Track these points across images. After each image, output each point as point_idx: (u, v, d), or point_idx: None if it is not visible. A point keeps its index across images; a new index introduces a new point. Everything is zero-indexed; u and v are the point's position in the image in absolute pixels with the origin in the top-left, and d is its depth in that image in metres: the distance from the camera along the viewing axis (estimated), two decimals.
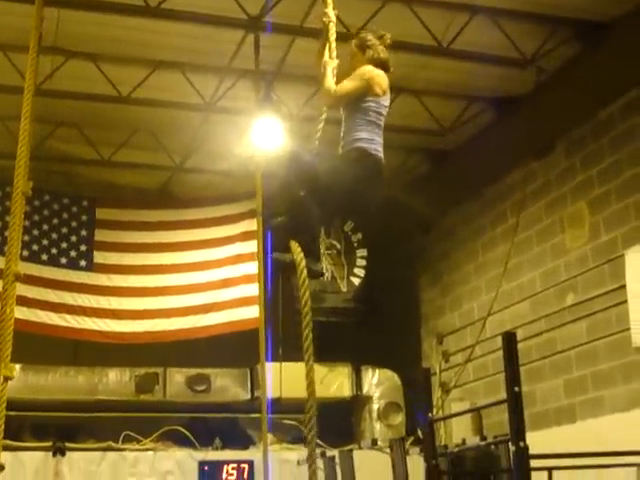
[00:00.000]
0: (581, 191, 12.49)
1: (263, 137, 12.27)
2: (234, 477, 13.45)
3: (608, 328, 11.69)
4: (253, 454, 13.20)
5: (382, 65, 7.00)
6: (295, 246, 6.41)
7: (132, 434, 13.71)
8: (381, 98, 6.91)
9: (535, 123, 12.79)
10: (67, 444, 13.25)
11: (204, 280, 14.53)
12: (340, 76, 6.89)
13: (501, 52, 12.07)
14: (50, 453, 13.05)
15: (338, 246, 15.64)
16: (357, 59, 7.00)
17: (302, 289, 6.31)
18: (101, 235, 14.74)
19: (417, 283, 16.65)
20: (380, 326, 15.69)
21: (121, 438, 13.60)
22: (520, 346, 8.90)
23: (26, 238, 13.58)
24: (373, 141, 6.82)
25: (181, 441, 13.85)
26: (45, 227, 14.52)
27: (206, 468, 13.50)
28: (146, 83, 12.53)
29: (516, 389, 8.17)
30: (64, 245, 14.55)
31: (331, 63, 6.92)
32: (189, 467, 13.50)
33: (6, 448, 5.98)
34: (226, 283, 14.49)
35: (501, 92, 13.24)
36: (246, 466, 13.34)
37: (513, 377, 8.22)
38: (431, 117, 13.71)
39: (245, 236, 14.44)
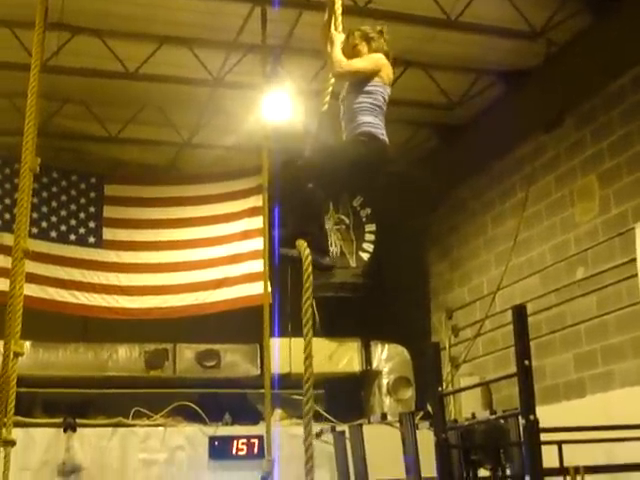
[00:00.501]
0: (591, 164, 12.42)
1: (271, 112, 12.22)
2: (244, 452, 13.49)
3: (618, 302, 11.65)
4: (263, 429, 13.18)
5: (386, 57, 7.06)
6: (301, 243, 6.42)
7: (142, 410, 13.74)
8: (387, 86, 6.97)
9: (545, 96, 12.72)
10: (78, 420, 13.30)
11: (213, 256, 14.51)
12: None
13: (510, 24, 11.99)
14: (61, 429, 13.10)
15: (347, 221, 15.60)
16: (360, 50, 7.03)
17: (306, 284, 6.31)
18: (110, 212, 14.73)
19: (426, 258, 16.62)
20: (389, 301, 15.68)
21: (131, 414, 13.64)
22: (530, 320, 8.88)
23: (35, 215, 13.57)
24: (379, 126, 6.85)
25: (191, 417, 13.88)
26: (54, 204, 14.51)
27: (216, 443, 13.54)
28: (153, 59, 12.48)
29: (526, 362, 8.16)
30: (73, 222, 14.53)
31: (338, 36, 6.93)
32: (199, 442, 13.54)
33: (17, 424, 6.01)
34: (235, 259, 14.47)
35: (510, 65, 13.16)
36: (256, 441, 13.37)
37: (523, 350, 8.20)
38: (440, 91, 13.64)
39: (253, 212, 14.40)
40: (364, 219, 15.72)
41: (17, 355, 6.03)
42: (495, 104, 13.89)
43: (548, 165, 13.27)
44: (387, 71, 6.95)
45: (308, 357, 6.26)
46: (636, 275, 11.20)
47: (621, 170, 11.86)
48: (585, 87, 12.31)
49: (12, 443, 5.87)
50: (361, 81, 6.87)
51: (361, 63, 6.88)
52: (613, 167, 12.01)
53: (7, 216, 13.73)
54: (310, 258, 6.35)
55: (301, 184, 6.76)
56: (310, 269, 6.34)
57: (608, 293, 11.85)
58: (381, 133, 6.82)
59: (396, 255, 15.90)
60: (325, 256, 6.68)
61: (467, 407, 13.61)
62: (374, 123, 6.80)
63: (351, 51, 6.98)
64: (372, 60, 6.91)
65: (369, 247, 15.71)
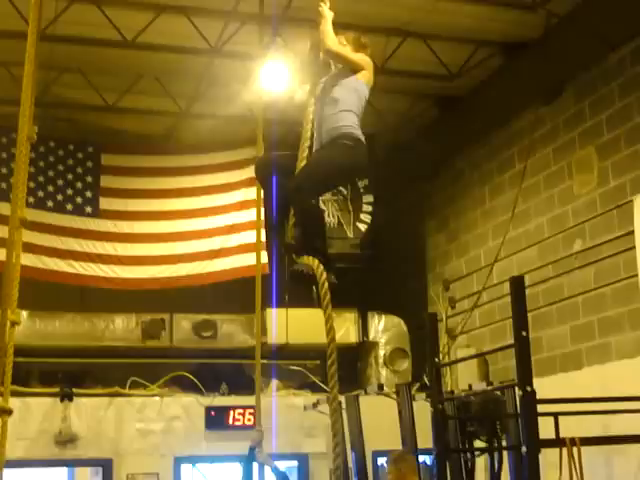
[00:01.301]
0: (590, 136, 12.39)
1: (268, 82, 12.16)
2: (240, 422, 13.54)
3: (616, 274, 11.67)
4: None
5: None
6: (310, 259, 6.35)
7: (139, 380, 13.78)
8: (368, 87, 6.79)
9: (544, 68, 12.66)
10: (74, 390, 13.34)
11: (210, 226, 14.48)
12: None
13: None
14: (58, 399, 13.14)
15: (344, 192, 15.56)
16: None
17: (324, 302, 6.29)
18: (107, 181, 14.69)
19: (423, 229, 16.63)
20: (386, 272, 15.68)
21: (128, 384, 13.68)
22: (527, 292, 8.90)
23: (31, 185, 13.53)
24: (358, 126, 6.64)
25: (188, 387, 13.93)
26: (50, 174, 14.46)
27: (213, 413, 13.59)
28: (151, 27, 12.39)
29: (523, 333, 8.19)
30: (70, 192, 14.49)
31: (330, 13, 6.75)
32: (196, 412, 13.59)
33: (14, 394, 5.99)
34: (232, 229, 14.45)
35: (510, 36, 13.08)
36: (252, 411, 13.41)
37: (520, 321, 8.23)
38: (439, 62, 13.58)
39: (251, 182, 14.32)
40: (361, 190, 15.68)
41: (14, 324, 5.99)
42: (494, 75, 13.83)
43: (547, 137, 13.25)
44: (370, 71, 6.78)
45: (331, 330, 6.37)
46: (634, 247, 11.19)
47: (620, 142, 11.84)
48: (584, 59, 12.28)
49: (9, 412, 5.84)
50: (346, 74, 6.69)
51: (349, 52, 6.73)
52: (612, 139, 11.99)
53: (3, 185, 13.70)
54: (325, 276, 6.26)
55: (303, 199, 6.64)
56: (326, 286, 6.26)
57: (606, 265, 11.86)
58: (361, 134, 6.63)
59: (393, 226, 15.89)
60: (330, 273, 6.58)
61: (463, 379, 13.66)
62: (355, 124, 6.61)
63: None
64: (360, 55, 6.76)
65: (366, 218, 15.67)
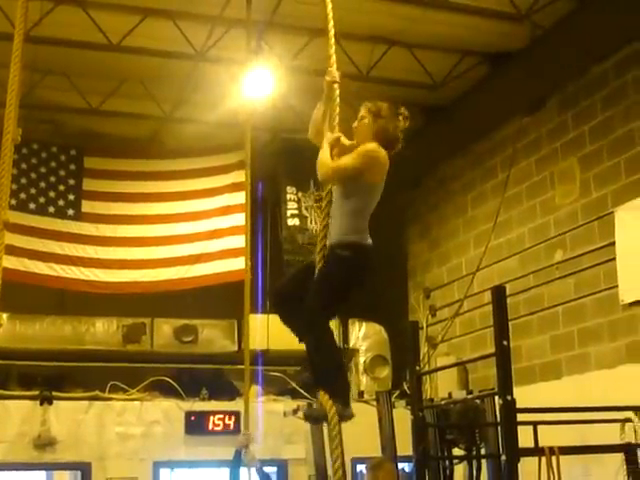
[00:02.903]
0: (572, 148, 12.46)
1: (254, 87, 12.17)
2: (220, 427, 13.53)
3: (596, 285, 11.73)
4: (239, 405, 13.19)
5: (389, 142, 6.41)
6: (324, 398, 6.08)
7: (119, 384, 13.74)
8: (376, 185, 6.41)
9: (528, 79, 12.74)
10: (54, 393, 13.29)
11: (192, 231, 14.47)
12: (342, 147, 6.36)
13: (496, 6, 11.98)
14: (37, 402, 13.08)
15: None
16: (365, 124, 6.43)
17: (334, 444, 6.14)
18: (89, 184, 14.65)
19: (405, 237, 16.66)
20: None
21: (108, 388, 13.63)
22: (508, 302, 8.92)
23: (13, 187, 13.46)
24: (362, 229, 6.43)
25: (168, 391, 13.90)
26: (33, 176, 14.41)
27: (193, 418, 13.57)
28: (136, 31, 12.38)
29: (504, 343, 8.20)
30: (52, 194, 14.45)
31: (329, 137, 6.34)
32: (176, 417, 13.57)
33: None
34: (214, 234, 14.43)
35: (495, 47, 13.15)
36: (233, 417, 13.42)
37: (502, 331, 8.25)
38: (424, 71, 13.62)
39: (234, 187, 14.35)
40: None
41: None
42: (479, 85, 13.89)
43: (530, 147, 13.31)
44: (380, 168, 6.32)
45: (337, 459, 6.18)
46: (614, 259, 11.27)
47: (602, 154, 11.91)
48: (568, 71, 12.35)
49: None
50: (351, 180, 6.26)
51: (350, 162, 6.19)
52: (594, 151, 12.06)
53: None
54: (336, 418, 6.01)
55: (314, 325, 6.41)
56: (338, 428, 6.10)
57: (586, 276, 11.92)
58: (361, 237, 6.39)
59: (375, 233, 15.86)
60: (347, 407, 6.21)
61: (443, 387, 13.69)
62: (352, 229, 6.35)
63: (357, 123, 6.45)
64: (362, 155, 6.21)
65: None
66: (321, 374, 6.35)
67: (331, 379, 6.29)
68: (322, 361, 6.33)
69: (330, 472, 12.11)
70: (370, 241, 6.43)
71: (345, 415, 6.23)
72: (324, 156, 6.24)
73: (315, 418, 6.48)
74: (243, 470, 9.74)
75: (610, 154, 11.75)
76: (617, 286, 11.23)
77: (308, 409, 6.59)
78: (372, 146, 6.28)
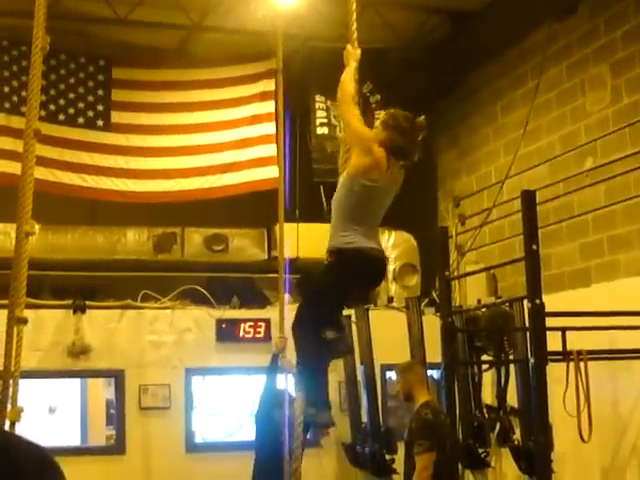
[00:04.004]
0: (604, 54, 12.30)
1: None
2: (251, 335, 13.68)
3: (626, 192, 11.68)
4: (269, 313, 13.37)
5: (394, 153, 6.72)
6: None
7: (150, 293, 13.88)
8: (368, 185, 6.59)
9: None
10: (87, 302, 13.46)
11: (222, 140, 14.41)
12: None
13: None
14: (70, 311, 13.26)
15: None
16: (376, 132, 6.78)
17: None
18: (118, 95, 14.60)
19: (434, 146, 16.57)
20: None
21: (139, 297, 13.78)
22: (537, 210, 8.93)
23: (43, 98, 13.41)
24: (351, 232, 6.56)
25: (199, 300, 14.02)
26: (62, 87, 14.36)
27: (224, 326, 13.71)
28: None
29: (534, 247, 8.26)
30: (81, 105, 14.42)
31: (354, 55, 6.73)
32: (207, 325, 13.71)
33: (27, 306, 6.08)
34: (244, 143, 14.39)
35: None
36: (263, 324, 13.55)
37: (531, 235, 8.29)
38: None
39: (263, 96, 14.28)
40: (373, 105, 15.58)
41: (28, 235, 6.07)
42: None
43: (560, 54, 13.14)
44: (367, 160, 6.57)
45: None
46: None
47: (634, 60, 11.76)
48: None
49: (24, 321, 5.97)
50: (348, 173, 6.58)
51: (361, 129, 6.69)
52: (626, 57, 11.90)
53: (15, 99, 13.66)
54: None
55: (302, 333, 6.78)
56: None
57: (616, 183, 11.86)
58: (346, 242, 6.54)
59: None
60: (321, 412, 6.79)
61: (472, 295, 13.75)
62: (340, 234, 6.56)
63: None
64: (361, 138, 6.64)
65: None
66: (299, 375, 6.94)
67: (305, 383, 6.65)
68: (300, 365, 6.65)
69: (360, 378, 12.29)
70: (364, 245, 6.58)
71: (319, 422, 6.54)
72: (346, 83, 6.72)
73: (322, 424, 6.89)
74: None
75: None
76: None
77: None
78: (373, 143, 6.63)
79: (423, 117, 6.82)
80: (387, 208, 7.04)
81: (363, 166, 6.61)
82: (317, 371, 7.02)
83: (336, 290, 6.76)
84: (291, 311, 13.55)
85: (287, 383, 9.83)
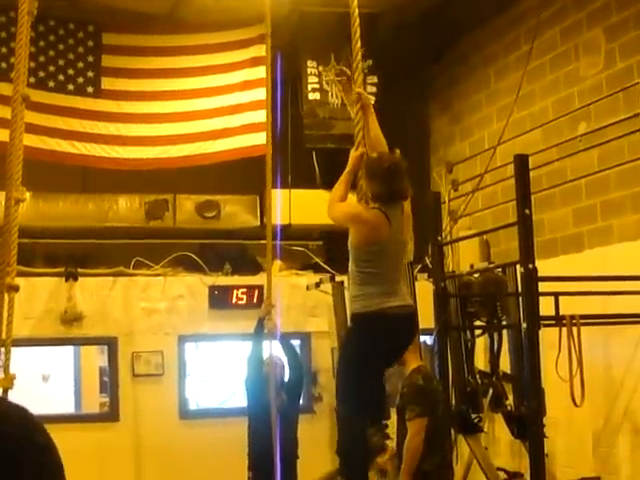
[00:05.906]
0: (598, 18, 12.21)
1: None
2: (244, 301, 13.68)
3: (620, 157, 11.63)
4: (262, 279, 13.31)
5: (390, 197, 6.83)
6: None
7: (143, 260, 13.87)
8: (370, 248, 6.60)
9: None
10: (79, 270, 13.43)
11: (213, 106, 14.33)
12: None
13: None
14: (62, 278, 13.23)
15: (348, 73, 15.37)
16: (360, 194, 6.90)
17: None
18: (108, 61, 14.49)
19: (427, 112, 16.51)
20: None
21: (132, 264, 13.76)
22: (530, 175, 8.89)
23: (32, 65, 13.29)
24: (368, 295, 6.56)
25: (191, 267, 14.02)
26: (51, 53, 14.25)
27: (216, 292, 13.71)
28: None
29: (526, 211, 8.23)
30: (71, 71, 14.31)
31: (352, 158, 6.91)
32: (199, 291, 13.72)
33: (19, 274, 6.03)
34: (235, 109, 14.31)
35: None
36: (255, 291, 13.54)
37: (523, 200, 8.27)
38: None
39: (254, 62, 14.18)
40: (366, 71, 15.47)
41: (18, 201, 6.01)
42: None
43: (554, 18, 13.05)
44: (359, 228, 6.60)
45: None
46: (639, 130, 11.15)
47: (628, 24, 11.68)
48: None
49: (16, 288, 5.91)
50: (352, 246, 6.61)
51: (344, 209, 6.72)
52: (620, 21, 11.81)
53: (3, 65, 13.55)
54: None
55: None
56: None
57: (610, 148, 11.81)
58: (364, 304, 6.56)
59: (397, 108, 15.76)
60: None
61: (465, 261, 13.73)
62: (356, 297, 6.60)
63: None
64: (344, 213, 6.70)
65: (370, 99, 15.53)
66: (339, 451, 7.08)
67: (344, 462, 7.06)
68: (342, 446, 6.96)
69: None
70: (381, 306, 6.54)
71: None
72: (334, 192, 6.84)
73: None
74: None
75: (636, 24, 11.51)
76: None
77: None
78: (361, 209, 6.70)
79: (398, 151, 6.90)
80: (405, 254, 7.12)
81: (364, 237, 6.64)
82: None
83: (363, 355, 6.74)
84: (281, 278, 13.64)
85: (272, 347, 9.82)
